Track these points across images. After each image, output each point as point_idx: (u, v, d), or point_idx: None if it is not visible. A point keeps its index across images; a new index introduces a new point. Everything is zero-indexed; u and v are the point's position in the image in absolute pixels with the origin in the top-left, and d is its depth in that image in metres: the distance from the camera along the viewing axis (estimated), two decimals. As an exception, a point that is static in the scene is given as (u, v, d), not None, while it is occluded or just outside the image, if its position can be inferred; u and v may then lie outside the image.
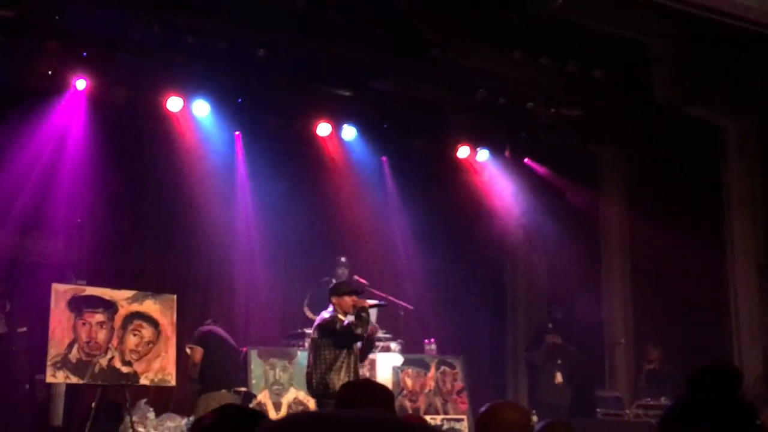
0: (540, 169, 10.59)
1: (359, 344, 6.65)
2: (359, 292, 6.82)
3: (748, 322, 8.69)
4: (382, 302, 7.05)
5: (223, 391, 7.71)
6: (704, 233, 9.23)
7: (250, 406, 7.67)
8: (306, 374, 6.69)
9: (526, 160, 10.51)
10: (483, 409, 3.01)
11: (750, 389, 8.35)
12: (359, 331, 6.41)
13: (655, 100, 8.83)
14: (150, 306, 7.61)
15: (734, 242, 8.94)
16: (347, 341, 6.48)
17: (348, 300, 6.57)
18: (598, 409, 8.65)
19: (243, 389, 7.99)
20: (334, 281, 9.24)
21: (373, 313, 8.68)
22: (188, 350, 7.87)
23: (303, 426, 0.89)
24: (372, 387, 3.58)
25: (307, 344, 8.52)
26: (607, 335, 10.18)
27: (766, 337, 8.57)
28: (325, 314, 6.62)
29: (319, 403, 6.60)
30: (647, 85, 8.82)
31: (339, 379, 6.30)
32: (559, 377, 9.27)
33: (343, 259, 9.33)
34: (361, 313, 6.47)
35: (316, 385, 6.48)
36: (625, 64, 8.75)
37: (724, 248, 9.01)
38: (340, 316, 6.52)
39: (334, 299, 6.62)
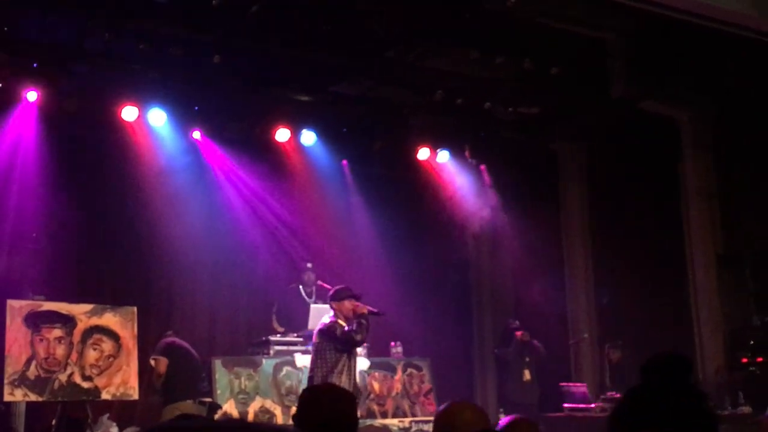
0: (501, 168, 10.63)
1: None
2: (358, 296, 6.92)
3: (708, 312, 8.80)
4: (379, 311, 7.10)
5: (189, 401, 7.63)
6: (664, 225, 9.36)
7: (216, 416, 7.58)
8: (308, 378, 6.84)
9: (482, 167, 10.56)
10: (440, 408, 3.00)
11: (711, 378, 8.47)
12: (359, 337, 6.63)
13: (611, 95, 8.91)
14: (110, 319, 7.48)
15: (692, 233, 9.06)
16: (347, 347, 6.65)
17: (347, 304, 6.73)
18: (565, 404, 8.71)
19: (208, 400, 7.90)
20: (301, 288, 9.22)
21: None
22: (152, 362, 7.80)
23: None
24: (334, 390, 3.55)
25: (272, 352, 8.52)
26: (572, 330, 10.25)
27: (725, 326, 8.69)
28: (326, 319, 6.79)
29: None
30: (603, 81, 8.90)
31: (340, 382, 6.48)
32: (527, 374, 9.30)
33: (309, 265, 9.30)
34: (361, 320, 6.65)
35: None
36: (581, 60, 8.82)
37: (683, 239, 9.13)
38: (341, 322, 6.69)
39: (334, 304, 6.80)
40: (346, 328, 6.62)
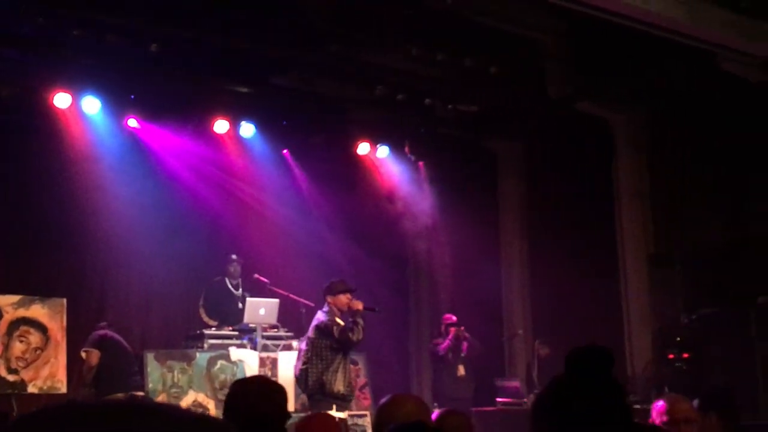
0: (439, 164, 10.71)
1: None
2: (353, 290, 6.93)
3: (638, 310, 9.02)
4: (374, 307, 7.19)
5: (119, 395, 7.51)
6: (598, 224, 9.55)
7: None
8: (300, 371, 6.87)
9: (421, 163, 10.63)
10: (382, 401, 3.02)
11: (641, 374, 8.70)
12: (355, 338, 6.67)
13: (548, 95, 9.06)
14: (38, 311, 7.30)
15: (625, 232, 9.26)
16: (344, 346, 6.71)
17: (343, 298, 6.75)
18: (498, 398, 8.83)
19: (140, 393, 7.78)
20: (226, 280, 9.13)
21: (273, 310, 8.64)
22: (84, 354, 7.69)
23: (55, 421, 0.82)
24: (266, 383, 3.53)
25: (206, 345, 8.42)
26: (506, 326, 10.40)
27: (654, 324, 8.92)
28: (321, 315, 6.80)
29: (312, 401, 6.84)
30: (541, 81, 9.04)
31: (336, 379, 6.64)
32: (461, 370, 9.37)
33: (234, 257, 9.22)
34: (357, 318, 6.69)
35: (312, 383, 6.73)
36: (520, 60, 8.94)
37: (616, 238, 9.33)
38: (338, 320, 6.72)
39: (329, 298, 6.80)
40: (343, 328, 6.66)
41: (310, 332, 6.87)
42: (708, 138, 8.68)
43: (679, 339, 8.49)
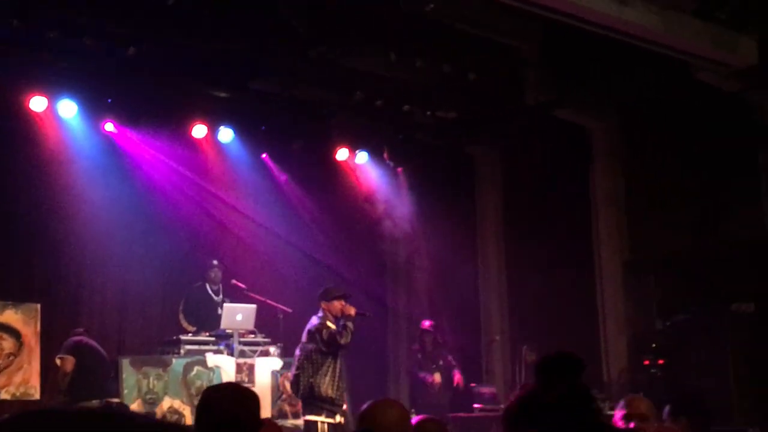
0: (418, 170, 10.73)
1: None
2: (348, 296, 7.04)
3: (614, 317, 9.09)
4: (366, 312, 7.28)
5: (95, 402, 7.46)
6: (574, 230, 9.61)
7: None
8: (293, 376, 7.00)
9: (399, 169, 10.64)
10: (364, 406, 3.03)
11: (616, 380, 8.75)
12: (343, 341, 6.73)
13: (526, 102, 9.11)
14: (11, 316, 7.23)
15: (600, 239, 9.33)
16: (331, 349, 6.78)
17: (337, 304, 6.86)
18: (475, 405, 8.84)
19: (116, 400, 7.72)
20: (207, 286, 9.09)
21: (251, 316, 8.60)
22: (58, 361, 7.61)
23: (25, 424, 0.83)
24: (238, 389, 3.51)
25: (183, 351, 8.37)
26: (484, 332, 10.42)
27: (630, 330, 8.99)
28: (315, 320, 6.89)
29: (304, 405, 6.97)
30: (519, 88, 9.09)
31: (325, 383, 6.72)
32: (437, 377, 9.37)
33: (215, 262, 9.19)
34: (347, 322, 6.77)
35: (302, 388, 6.84)
36: (498, 67, 8.99)
37: (592, 244, 9.40)
38: (328, 323, 6.81)
39: (323, 304, 6.91)
40: (332, 332, 6.73)
41: (303, 337, 6.99)
42: (683, 145, 8.78)
43: (654, 345, 8.56)
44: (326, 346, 6.78)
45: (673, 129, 8.84)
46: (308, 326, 6.94)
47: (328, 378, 6.77)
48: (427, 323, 9.63)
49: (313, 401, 6.78)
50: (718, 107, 8.31)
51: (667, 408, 3.71)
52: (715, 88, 8.04)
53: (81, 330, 8.04)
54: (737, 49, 7.66)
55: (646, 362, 8.49)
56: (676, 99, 8.61)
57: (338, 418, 6.83)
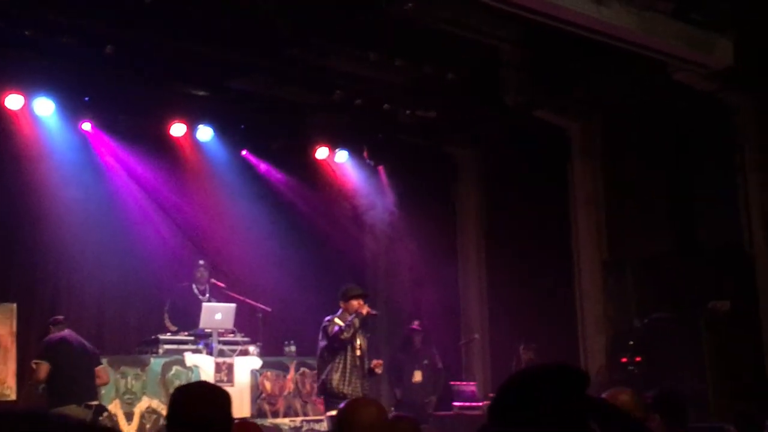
0: (398, 169, 10.74)
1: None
2: (366, 296, 7.15)
3: (593, 315, 9.15)
4: (378, 312, 7.53)
5: (73, 406, 7.23)
6: (553, 230, 9.67)
7: (101, 419, 7.30)
8: (317, 375, 7.29)
9: (379, 168, 10.66)
10: (341, 406, 3.03)
11: (594, 377, 8.81)
12: (344, 336, 6.78)
13: (505, 102, 9.15)
14: (-14, 316, 7.14)
15: (579, 239, 9.39)
16: (335, 345, 6.87)
17: (354, 303, 6.94)
18: (454, 402, 8.87)
19: (95, 403, 7.52)
20: (193, 286, 9.04)
21: (230, 315, 8.57)
22: (33, 365, 7.32)
23: None
24: (208, 388, 3.48)
25: (162, 351, 8.32)
26: (464, 330, 10.46)
27: (608, 329, 9.06)
28: (328, 317, 7.02)
29: (324, 402, 7.14)
30: (498, 88, 9.13)
31: (336, 378, 6.83)
32: (418, 376, 9.38)
33: (201, 262, 9.15)
34: (354, 319, 6.85)
35: (319, 384, 7.06)
36: (478, 67, 9.02)
37: (570, 244, 9.46)
38: (337, 320, 6.90)
39: (341, 303, 7.01)
40: (337, 328, 6.81)
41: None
42: (661, 145, 8.86)
43: (631, 343, 8.64)
44: (329, 341, 6.89)
45: (652, 129, 8.92)
46: (323, 324, 7.10)
47: (338, 374, 6.87)
48: (416, 323, 9.65)
49: (328, 397, 6.90)
50: (695, 108, 8.39)
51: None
52: (693, 89, 8.12)
53: (60, 318, 7.49)
54: (714, 50, 7.74)
55: (624, 360, 8.57)
56: (654, 100, 8.68)
57: None
